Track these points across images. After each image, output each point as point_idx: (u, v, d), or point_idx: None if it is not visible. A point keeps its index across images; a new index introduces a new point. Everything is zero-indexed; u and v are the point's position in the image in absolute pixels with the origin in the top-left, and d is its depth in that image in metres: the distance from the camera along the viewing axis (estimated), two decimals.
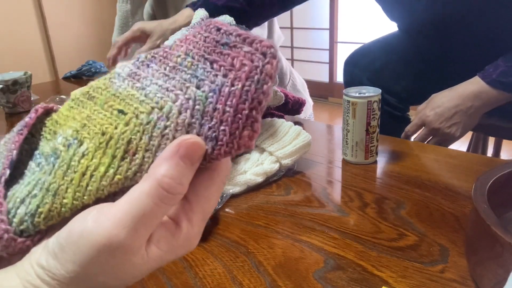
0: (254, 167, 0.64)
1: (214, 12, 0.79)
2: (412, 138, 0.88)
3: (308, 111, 1.31)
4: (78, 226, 0.23)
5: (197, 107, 0.24)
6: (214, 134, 0.24)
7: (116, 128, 0.24)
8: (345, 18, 3.18)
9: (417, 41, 1.00)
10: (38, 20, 2.77)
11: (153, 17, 1.35)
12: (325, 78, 3.36)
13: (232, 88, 0.23)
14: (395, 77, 1.01)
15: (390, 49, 1.05)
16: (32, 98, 1.18)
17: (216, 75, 0.24)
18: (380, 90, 0.67)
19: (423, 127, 0.85)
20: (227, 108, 0.23)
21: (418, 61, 1.01)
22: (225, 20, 0.72)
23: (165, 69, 0.25)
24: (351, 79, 1.05)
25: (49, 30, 2.80)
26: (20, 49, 2.69)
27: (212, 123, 0.24)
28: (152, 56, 0.26)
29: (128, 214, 0.22)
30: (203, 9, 0.74)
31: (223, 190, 0.59)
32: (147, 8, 1.35)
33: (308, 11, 3.28)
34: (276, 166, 0.65)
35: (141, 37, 0.86)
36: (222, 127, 0.23)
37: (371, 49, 1.07)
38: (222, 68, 0.24)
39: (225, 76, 0.24)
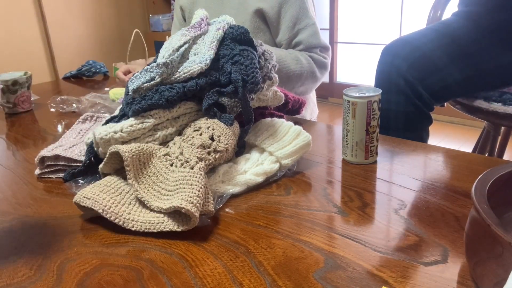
0: (254, 167, 0.64)
1: None
2: None
3: (313, 116, 1.32)
4: None
5: None
6: None
7: None
8: (345, 18, 3.18)
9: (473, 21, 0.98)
10: (38, 20, 2.77)
11: None
12: (325, 78, 3.35)
13: None
14: (436, 68, 1.00)
15: (434, 39, 1.04)
16: (32, 98, 1.18)
17: None
18: (380, 90, 0.67)
19: None
20: None
21: (463, 52, 1.01)
22: (225, 19, 0.72)
23: None
24: (389, 68, 1.02)
25: (49, 30, 2.80)
26: (20, 49, 2.69)
27: None
28: None
29: None
30: (203, 9, 0.74)
31: (223, 190, 0.59)
32: None
33: None
34: (276, 166, 0.65)
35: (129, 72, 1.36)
36: None
37: (414, 39, 1.05)
38: None
39: None
